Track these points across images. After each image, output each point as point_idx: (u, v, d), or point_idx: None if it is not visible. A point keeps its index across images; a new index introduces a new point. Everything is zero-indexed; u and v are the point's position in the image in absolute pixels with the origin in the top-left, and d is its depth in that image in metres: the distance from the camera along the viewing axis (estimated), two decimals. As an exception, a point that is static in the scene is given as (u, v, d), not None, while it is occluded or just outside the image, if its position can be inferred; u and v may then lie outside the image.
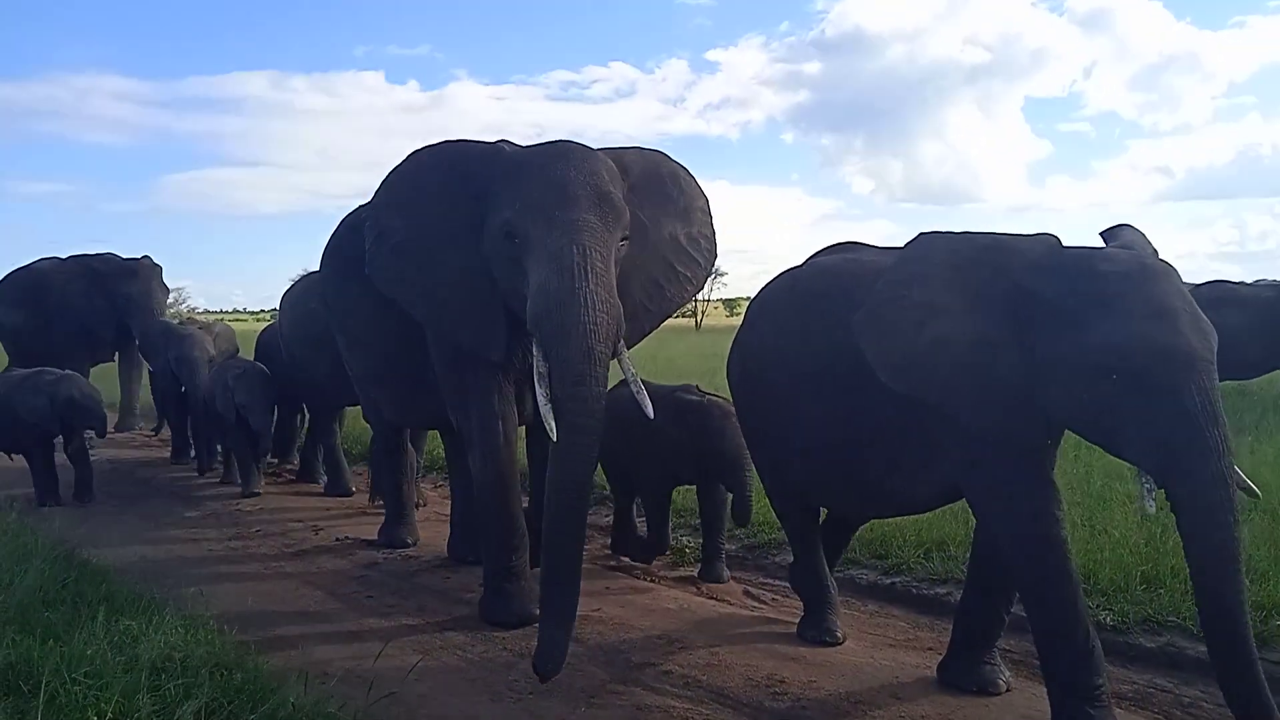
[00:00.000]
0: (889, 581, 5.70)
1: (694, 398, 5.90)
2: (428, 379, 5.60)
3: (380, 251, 5.18)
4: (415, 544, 6.87)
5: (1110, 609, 4.80)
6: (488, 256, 4.84)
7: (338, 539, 7.19)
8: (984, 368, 3.66)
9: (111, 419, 13.02)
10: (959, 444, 3.84)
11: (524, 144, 5.19)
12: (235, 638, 4.38)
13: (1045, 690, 3.81)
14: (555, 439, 4.21)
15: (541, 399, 4.32)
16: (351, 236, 5.88)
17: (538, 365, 4.36)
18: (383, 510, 7.39)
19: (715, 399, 5.89)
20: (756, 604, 5.63)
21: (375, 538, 7.03)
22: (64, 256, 13.49)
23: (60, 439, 8.54)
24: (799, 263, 4.87)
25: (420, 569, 6.36)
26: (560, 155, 4.71)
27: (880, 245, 4.56)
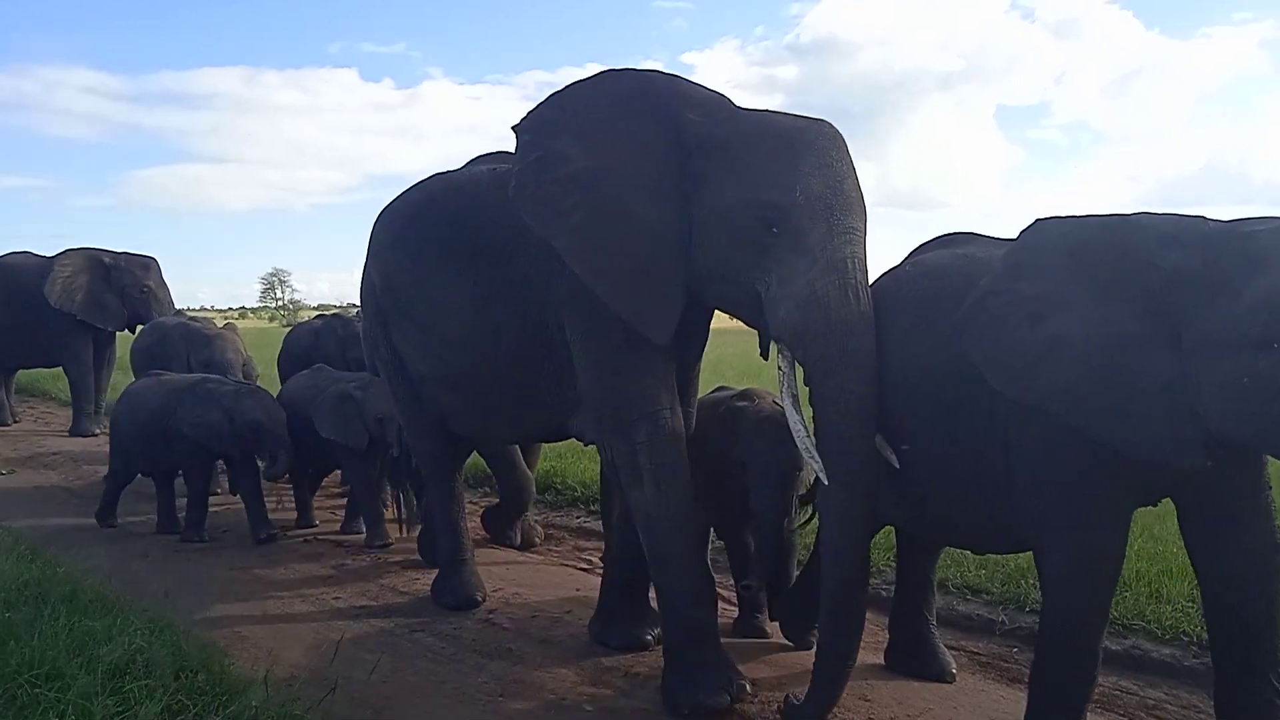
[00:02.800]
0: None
1: (744, 403, 4.83)
2: (532, 385, 4.76)
3: (540, 180, 4.13)
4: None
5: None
6: (695, 224, 4.00)
7: (305, 539, 7.11)
8: (1120, 369, 3.11)
9: (61, 421, 12.75)
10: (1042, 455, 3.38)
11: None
12: (200, 639, 4.32)
13: (1005, 691, 3.83)
14: (827, 482, 3.73)
15: (798, 425, 3.83)
16: (434, 216, 5.09)
17: (789, 385, 3.85)
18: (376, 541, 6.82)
19: (762, 405, 4.80)
20: (730, 606, 5.63)
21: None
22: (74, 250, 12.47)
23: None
24: (899, 263, 4.21)
25: (388, 570, 6.31)
26: (831, 140, 3.90)
27: (995, 237, 4.00)
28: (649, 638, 4.78)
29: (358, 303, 6.48)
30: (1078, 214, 3.40)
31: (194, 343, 9.22)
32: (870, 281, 3.86)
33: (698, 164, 3.99)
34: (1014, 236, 3.59)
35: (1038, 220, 3.46)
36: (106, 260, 12.16)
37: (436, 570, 5.81)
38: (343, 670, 4.13)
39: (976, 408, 3.52)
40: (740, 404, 4.79)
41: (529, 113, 4.28)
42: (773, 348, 3.99)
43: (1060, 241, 3.34)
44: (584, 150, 4.10)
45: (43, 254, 12.65)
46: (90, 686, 3.46)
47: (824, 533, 3.92)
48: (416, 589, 5.86)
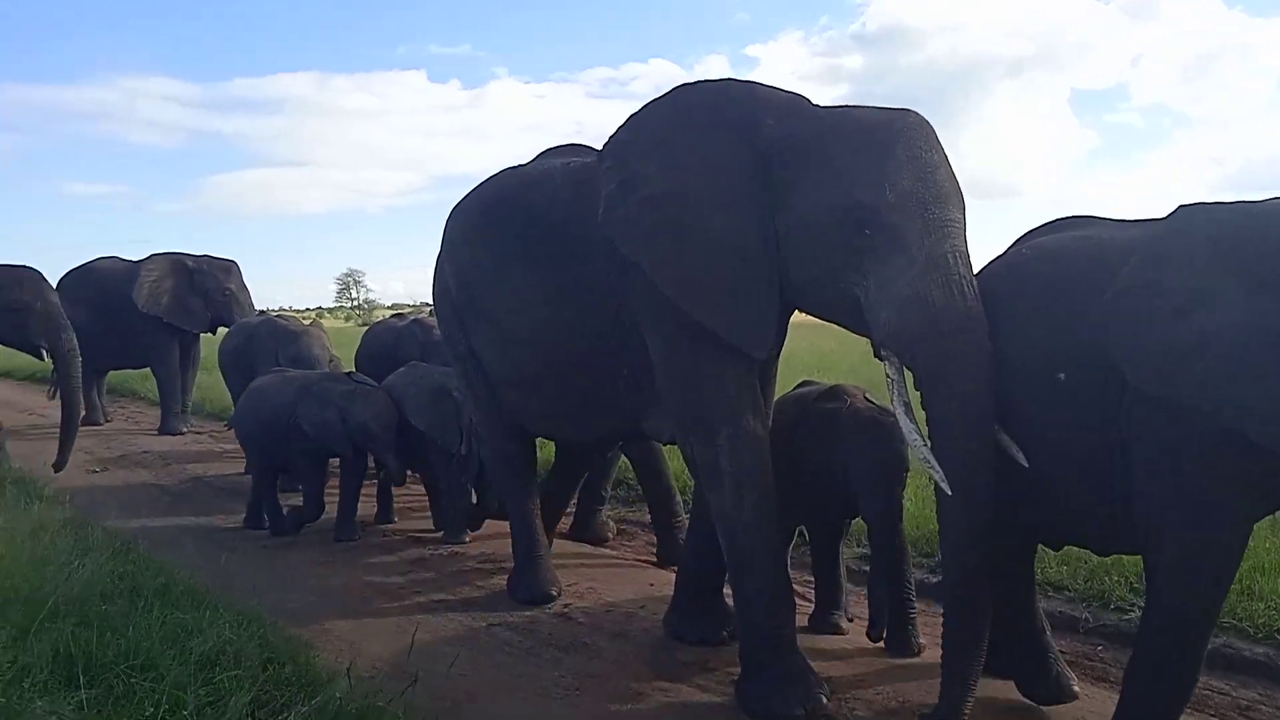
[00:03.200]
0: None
1: (832, 404, 4.65)
2: (607, 384, 4.68)
3: (624, 202, 4.12)
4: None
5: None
6: (784, 231, 3.91)
7: (385, 534, 7.24)
8: (1277, 366, 2.90)
9: (150, 420, 13.00)
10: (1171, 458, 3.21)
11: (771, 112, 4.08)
12: (285, 632, 4.43)
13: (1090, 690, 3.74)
14: (950, 492, 3.58)
15: (913, 434, 3.70)
16: (507, 212, 5.02)
17: (899, 391, 3.73)
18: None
19: (857, 405, 4.62)
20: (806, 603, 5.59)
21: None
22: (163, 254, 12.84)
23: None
24: (1011, 247, 3.99)
25: (466, 565, 6.39)
26: (919, 130, 3.75)
27: (1116, 219, 3.75)
28: (724, 634, 4.77)
29: (430, 301, 6.56)
30: (1221, 201, 3.24)
31: (281, 340, 9.20)
32: (977, 269, 3.71)
33: (780, 170, 3.90)
34: (1140, 219, 3.52)
35: (1180, 208, 3.27)
36: (190, 264, 12.55)
37: (512, 565, 5.85)
38: (422, 663, 4.20)
39: (1100, 395, 3.34)
40: (831, 405, 4.61)
41: (611, 137, 4.32)
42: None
43: (1205, 230, 3.15)
44: (661, 170, 4.07)
45: (129, 259, 13.11)
46: (183, 677, 3.56)
47: (945, 543, 3.79)
48: (493, 584, 5.92)
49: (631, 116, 4.30)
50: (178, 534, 7.02)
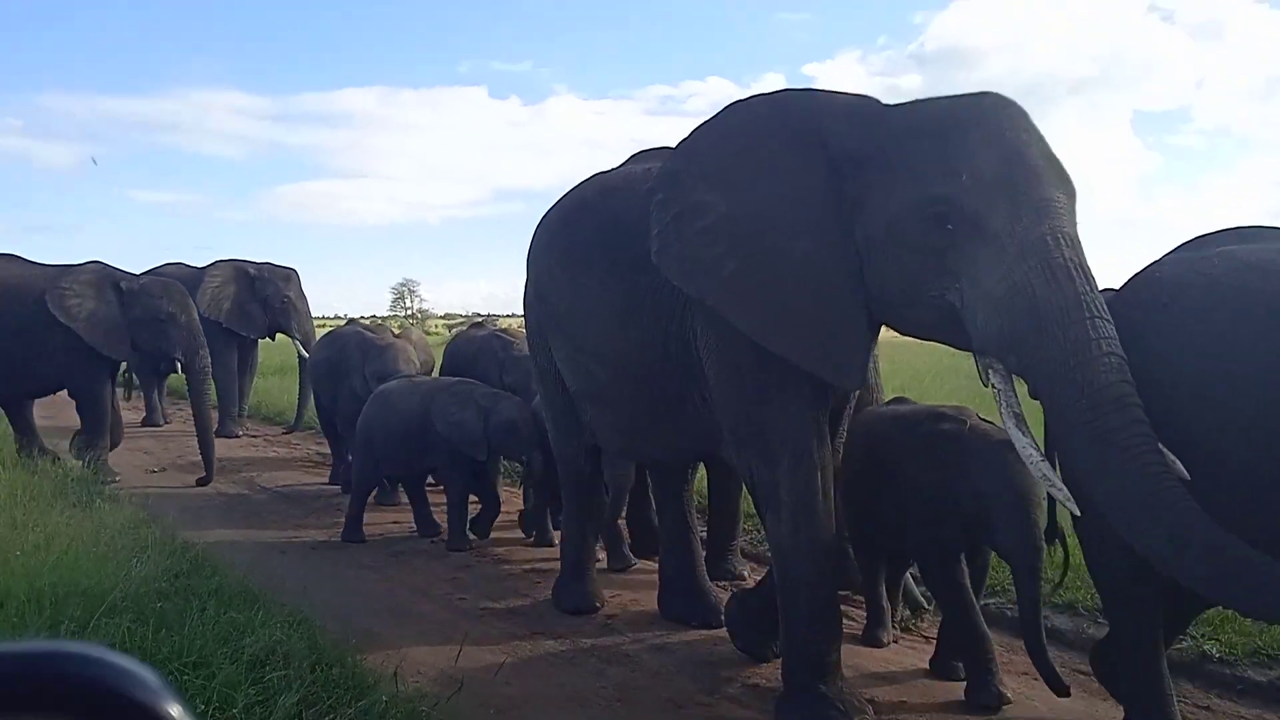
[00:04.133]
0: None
1: (949, 426, 4.19)
2: (678, 402, 4.40)
3: (680, 235, 3.80)
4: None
5: (1216, 639, 4.60)
6: (864, 245, 3.56)
7: (431, 540, 7.32)
8: None
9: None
10: None
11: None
12: (334, 634, 4.51)
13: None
14: (1078, 513, 3.20)
15: (1028, 448, 3.27)
16: (583, 218, 4.85)
17: (1009, 402, 3.33)
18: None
19: (980, 426, 4.18)
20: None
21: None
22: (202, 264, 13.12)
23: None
24: (1185, 253, 3.41)
25: (511, 573, 6.45)
26: (1001, 110, 3.39)
27: None
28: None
29: (483, 313, 6.67)
30: None
31: (368, 352, 8.81)
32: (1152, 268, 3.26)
33: (853, 180, 3.57)
34: None
35: None
36: (251, 272, 12.74)
37: (557, 576, 5.90)
38: (467, 670, 4.25)
39: None
40: (950, 426, 4.16)
41: (660, 169, 4.06)
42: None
43: None
44: (722, 194, 3.74)
45: (193, 265, 13.40)
46: (234, 675, 3.64)
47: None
48: (538, 593, 5.97)
49: (681, 143, 4.06)
50: (232, 535, 7.17)
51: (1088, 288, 3.12)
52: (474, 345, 9.18)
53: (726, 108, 4.01)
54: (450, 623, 5.37)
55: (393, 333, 9.91)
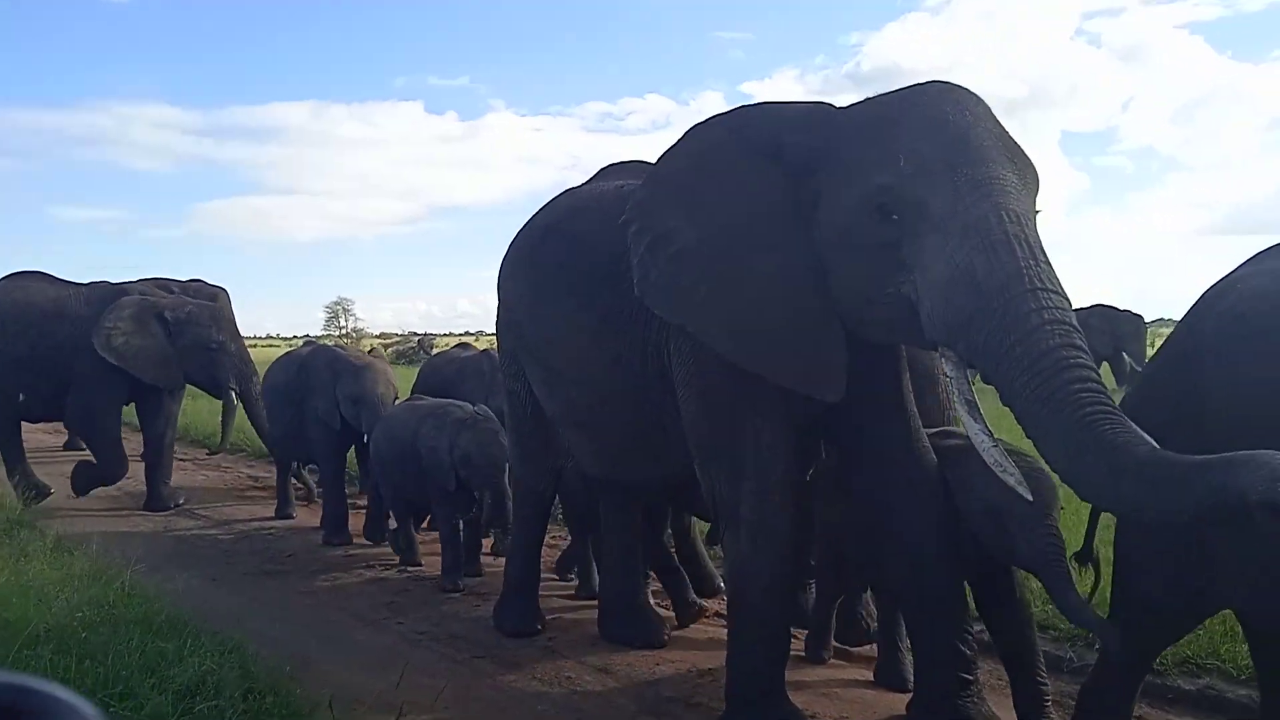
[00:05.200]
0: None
1: (958, 441, 3.91)
2: (658, 421, 4.27)
3: (655, 264, 3.79)
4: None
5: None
6: (823, 251, 3.50)
7: (371, 564, 7.19)
8: None
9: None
10: None
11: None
12: (268, 662, 4.40)
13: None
14: (1028, 496, 3.18)
15: (980, 434, 3.20)
16: (552, 240, 4.74)
17: (962, 390, 3.25)
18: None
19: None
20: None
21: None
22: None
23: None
24: (1246, 267, 3.14)
25: (450, 597, 6.35)
26: (944, 95, 3.31)
27: None
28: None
29: (420, 331, 6.52)
30: None
31: (341, 374, 8.07)
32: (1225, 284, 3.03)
33: (806, 187, 3.54)
34: None
35: None
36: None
37: (495, 595, 5.85)
38: (407, 695, 4.17)
39: None
40: (953, 442, 3.96)
41: (631, 202, 4.00)
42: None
43: None
44: (687, 219, 3.74)
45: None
46: (162, 706, 3.55)
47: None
48: (478, 615, 5.90)
49: (649, 173, 4.05)
50: (162, 560, 6.97)
51: (1032, 260, 3.00)
52: (456, 365, 8.82)
53: (688, 131, 3.97)
54: (389, 648, 5.28)
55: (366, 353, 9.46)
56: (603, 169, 5.21)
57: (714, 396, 3.91)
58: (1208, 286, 3.17)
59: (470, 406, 6.70)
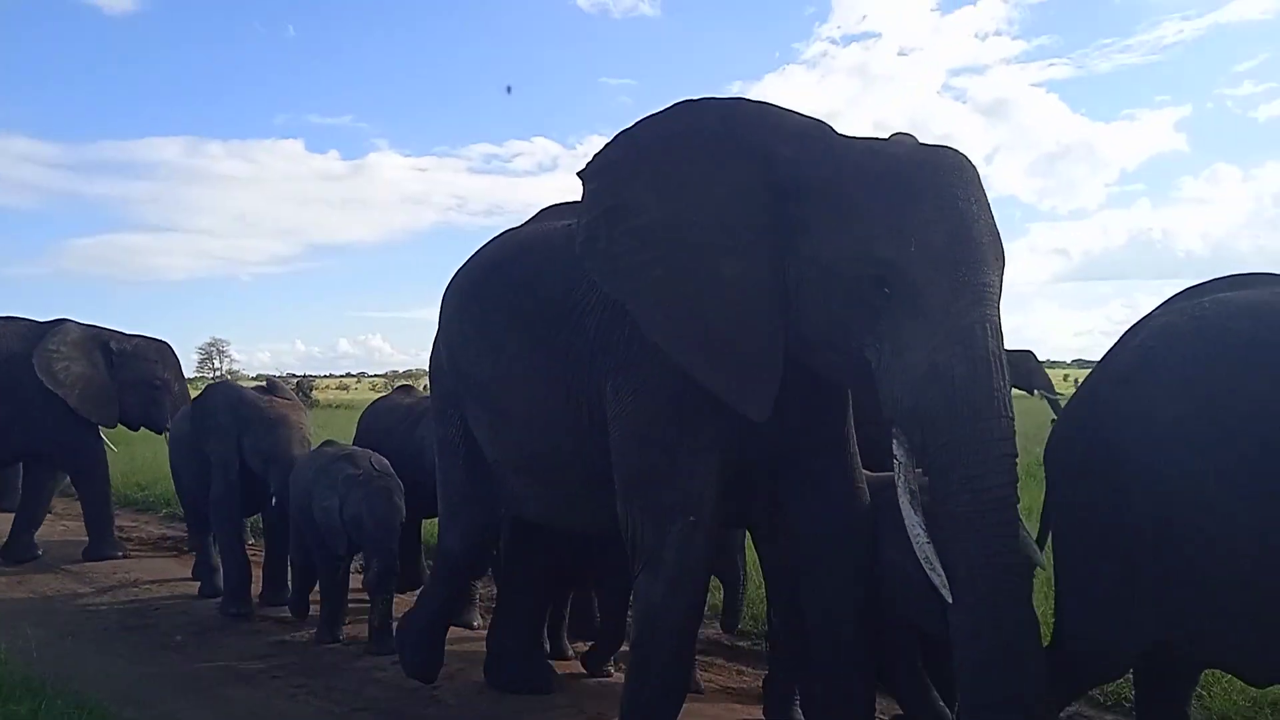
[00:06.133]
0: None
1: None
2: (606, 466, 3.98)
3: (610, 232, 3.61)
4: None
5: None
6: (796, 279, 3.43)
7: (240, 615, 6.87)
8: None
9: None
10: None
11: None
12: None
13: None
14: (950, 601, 3.13)
15: (917, 528, 3.20)
16: (499, 278, 4.51)
17: (906, 476, 3.26)
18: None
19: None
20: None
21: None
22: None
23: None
24: (1180, 305, 3.21)
25: (328, 648, 6.13)
26: (956, 174, 3.28)
27: None
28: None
29: (298, 374, 6.21)
30: None
31: (249, 425, 7.08)
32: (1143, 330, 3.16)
33: (795, 209, 3.43)
34: None
35: None
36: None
37: (375, 650, 5.74)
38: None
39: None
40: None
41: (596, 156, 3.78)
42: None
43: None
44: (659, 197, 3.57)
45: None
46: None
47: (957, 654, 3.21)
48: (358, 667, 5.71)
49: (623, 133, 3.76)
50: (14, 617, 6.55)
51: (1001, 383, 3.13)
52: (401, 413, 7.32)
53: (676, 106, 3.74)
54: (262, 703, 5.06)
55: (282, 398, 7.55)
56: (542, 210, 5.05)
57: (651, 435, 3.78)
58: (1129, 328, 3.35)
59: (370, 459, 6.17)
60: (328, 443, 6.73)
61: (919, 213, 3.19)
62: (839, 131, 3.59)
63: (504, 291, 4.44)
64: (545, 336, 4.16)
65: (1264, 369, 2.77)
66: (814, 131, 3.57)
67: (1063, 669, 3.29)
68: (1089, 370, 3.59)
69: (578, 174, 3.77)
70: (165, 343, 9.62)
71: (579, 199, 3.94)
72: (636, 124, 3.75)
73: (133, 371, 8.96)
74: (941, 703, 3.87)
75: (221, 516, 7.26)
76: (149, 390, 8.91)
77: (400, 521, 5.87)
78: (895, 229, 3.19)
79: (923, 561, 3.17)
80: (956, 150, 3.36)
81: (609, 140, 3.77)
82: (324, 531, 5.99)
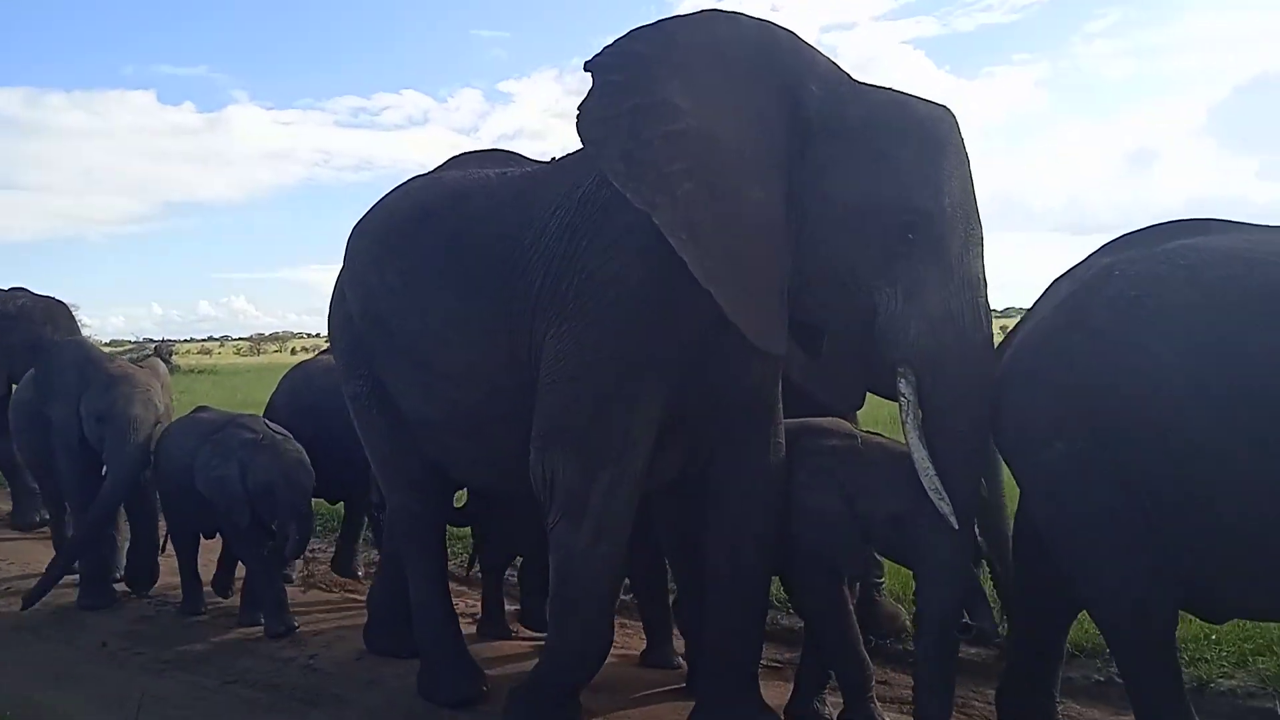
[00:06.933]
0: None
1: (837, 441, 3.92)
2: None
3: (635, 132, 3.35)
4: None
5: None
6: (813, 218, 3.44)
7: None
8: None
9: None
10: None
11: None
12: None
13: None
14: (956, 526, 3.32)
15: (926, 461, 3.35)
16: (432, 226, 4.22)
17: (916, 415, 3.38)
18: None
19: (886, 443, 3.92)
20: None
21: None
22: None
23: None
24: (1128, 253, 3.20)
25: (198, 623, 5.91)
26: (960, 133, 3.49)
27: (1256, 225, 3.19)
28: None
29: (156, 338, 5.81)
30: None
31: (91, 383, 6.34)
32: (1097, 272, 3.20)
33: (822, 147, 3.44)
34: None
35: None
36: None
37: (249, 619, 5.59)
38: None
39: None
40: (836, 442, 3.91)
41: (612, 46, 3.50)
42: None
43: None
44: (694, 103, 3.38)
45: None
46: None
47: (930, 572, 3.52)
48: (229, 640, 5.52)
49: (650, 28, 3.54)
50: None
51: (990, 331, 3.44)
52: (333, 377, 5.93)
53: (708, 13, 3.61)
54: (126, 680, 4.84)
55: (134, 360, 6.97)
56: (454, 158, 4.81)
57: (590, 382, 3.67)
58: (1057, 282, 3.39)
59: (264, 424, 5.85)
60: (201, 408, 6.39)
61: (945, 167, 3.37)
62: (853, 78, 3.62)
63: (437, 242, 4.18)
64: (486, 290, 3.98)
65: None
66: (840, 74, 3.60)
67: (1121, 634, 3.24)
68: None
69: (586, 64, 3.48)
70: (58, 301, 8.91)
71: (493, 150, 3.87)
72: (662, 21, 3.56)
73: (17, 334, 8.19)
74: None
75: (70, 490, 6.61)
76: (38, 355, 7.37)
77: (312, 488, 5.61)
78: (926, 180, 3.34)
79: (930, 491, 3.32)
80: (950, 110, 3.52)
81: (627, 33, 3.52)
82: (220, 504, 5.60)
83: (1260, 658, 4.32)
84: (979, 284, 3.38)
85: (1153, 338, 2.93)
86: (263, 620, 5.63)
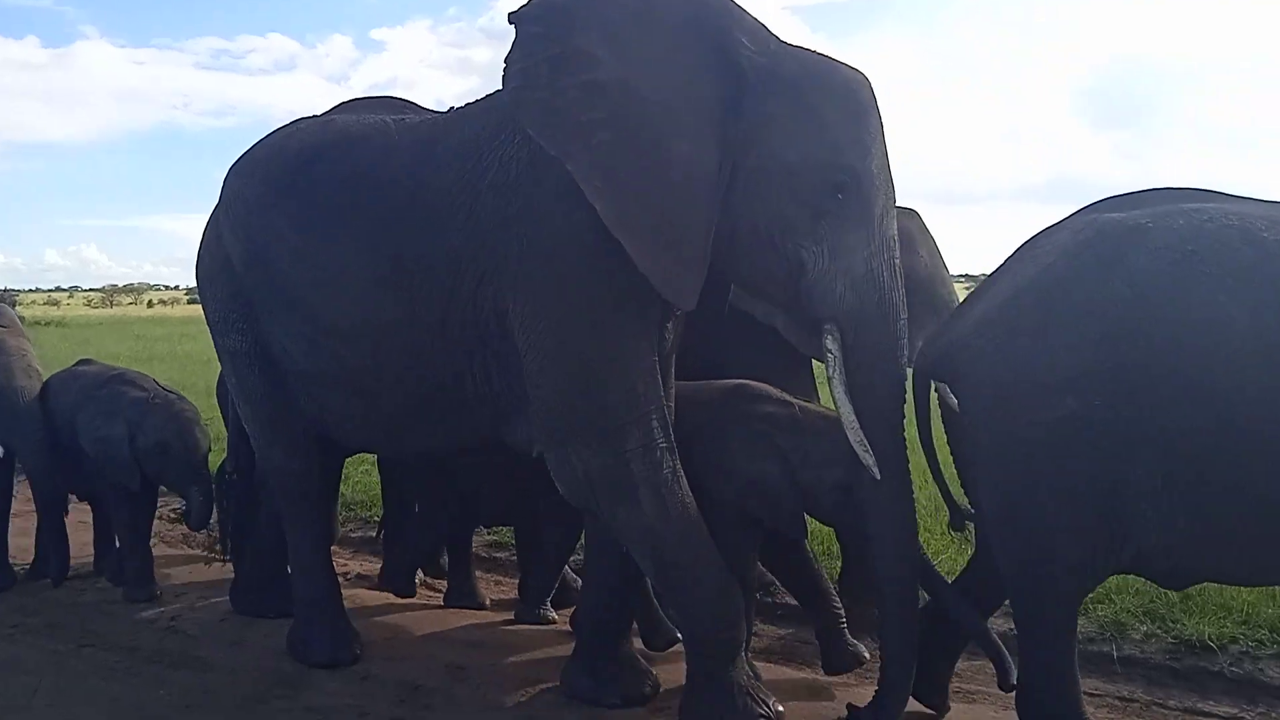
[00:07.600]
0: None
1: (773, 409, 3.87)
2: (454, 384, 3.82)
3: (554, 82, 3.32)
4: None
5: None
6: (742, 172, 3.40)
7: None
8: None
9: None
10: None
11: None
12: None
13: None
14: (879, 477, 3.38)
15: (853, 416, 3.39)
16: (324, 170, 4.02)
17: (842, 373, 3.42)
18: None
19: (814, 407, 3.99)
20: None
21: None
22: None
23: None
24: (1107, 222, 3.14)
25: (47, 586, 5.65)
26: (874, 93, 3.51)
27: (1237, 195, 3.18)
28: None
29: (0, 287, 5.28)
30: None
31: None
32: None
33: (755, 102, 3.39)
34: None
35: None
36: None
37: (108, 583, 5.41)
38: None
39: None
40: (771, 409, 3.86)
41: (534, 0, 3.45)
42: None
43: None
44: (614, 54, 3.33)
45: None
46: None
47: (880, 532, 3.47)
48: (85, 601, 5.31)
49: None
50: None
51: (903, 289, 3.51)
52: None
53: None
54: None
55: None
56: (344, 103, 4.57)
57: (580, 346, 3.54)
58: (1033, 242, 3.31)
59: (152, 381, 5.51)
60: (84, 361, 6.00)
61: (870, 128, 3.42)
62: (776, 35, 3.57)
63: (334, 185, 3.98)
64: (391, 240, 3.79)
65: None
66: (768, 32, 3.53)
67: (1047, 591, 3.16)
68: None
69: (509, 15, 3.44)
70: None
71: (386, 96, 3.82)
72: None
73: None
74: None
75: None
76: None
77: (208, 448, 5.32)
78: (857, 140, 3.39)
79: (855, 445, 3.38)
80: (864, 72, 3.56)
81: None
82: (105, 466, 5.26)
83: (1099, 605, 4.59)
84: (894, 246, 3.47)
85: (1219, 293, 2.82)
86: (124, 590, 5.39)
